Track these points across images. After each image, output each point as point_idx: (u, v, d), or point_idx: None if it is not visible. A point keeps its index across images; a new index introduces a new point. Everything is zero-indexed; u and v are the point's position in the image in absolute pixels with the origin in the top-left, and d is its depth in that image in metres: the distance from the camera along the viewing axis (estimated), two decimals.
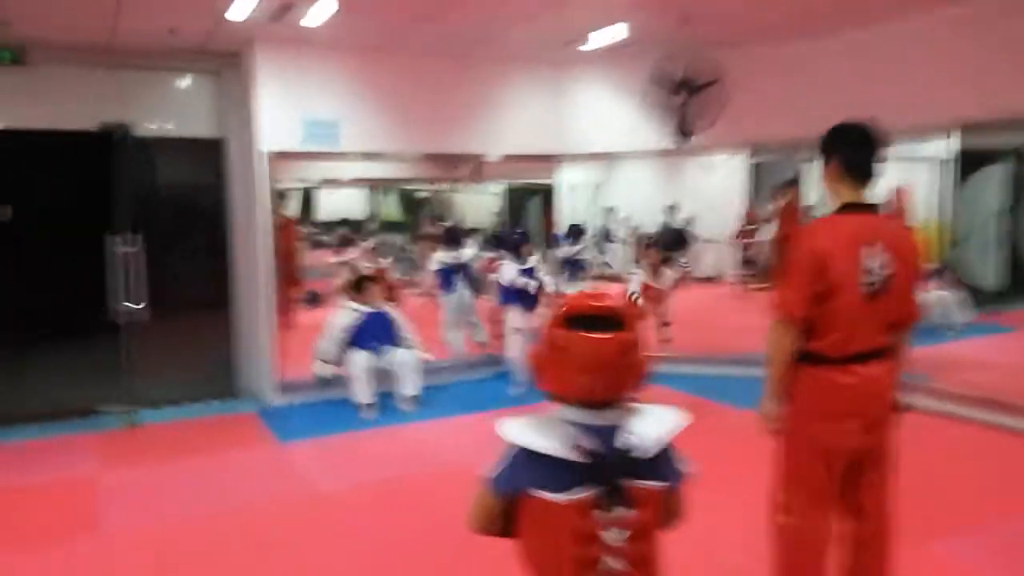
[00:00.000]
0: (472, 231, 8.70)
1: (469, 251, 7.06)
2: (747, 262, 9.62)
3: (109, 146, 5.65)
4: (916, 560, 3.04)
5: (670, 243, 8.34)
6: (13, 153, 7.56)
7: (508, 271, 6.20)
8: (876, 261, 2.52)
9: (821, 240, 2.54)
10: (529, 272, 6.23)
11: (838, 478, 2.65)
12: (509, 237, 6.55)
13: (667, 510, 1.60)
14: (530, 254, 6.34)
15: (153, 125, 6.01)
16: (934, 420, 5.21)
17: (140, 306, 5.47)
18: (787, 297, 2.57)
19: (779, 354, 2.59)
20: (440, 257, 6.96)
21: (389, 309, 6.14)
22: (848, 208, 2.61)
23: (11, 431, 5.44)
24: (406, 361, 5.85)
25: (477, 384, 6.65)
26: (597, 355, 1.48)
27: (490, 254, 7.59)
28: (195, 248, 6.51)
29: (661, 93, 6.75)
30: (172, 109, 6.14)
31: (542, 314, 6.06)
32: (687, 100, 6.66)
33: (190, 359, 6.36)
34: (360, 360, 5.71)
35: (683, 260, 7.77)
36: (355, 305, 5.92)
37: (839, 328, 2.53)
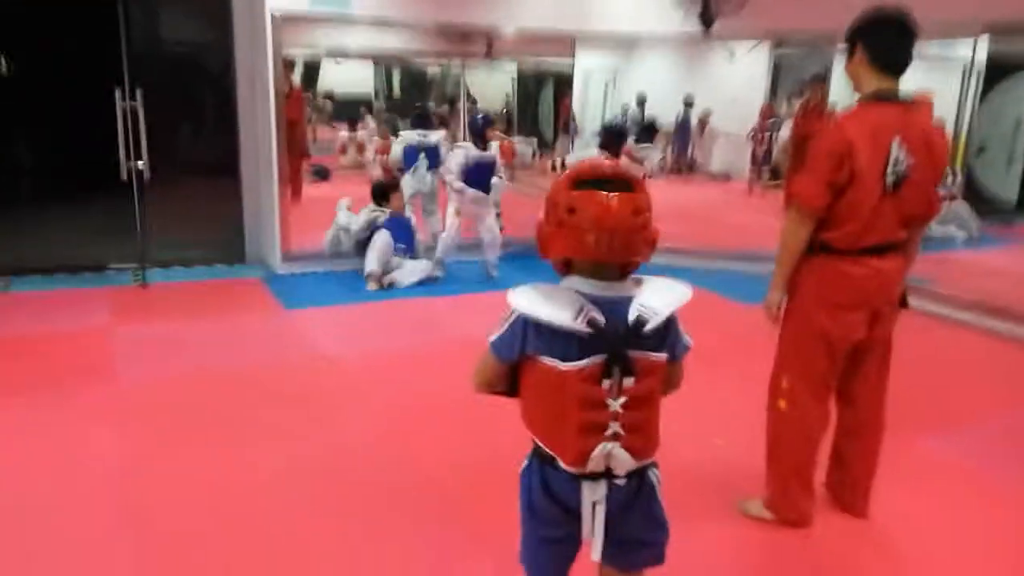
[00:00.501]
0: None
1: (436, 134, 6.84)
2: (762, 159, 9.46)
3: None
4: (900, 452, 3.14)
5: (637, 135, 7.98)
6: (15, 5, 7.28)
7: (457, 157, 5.96)
8: (902, 153, 2.46)
9: (848, 130, 2.47)
10: (487, 163, 6.02)
11: (839, 368, 2.70)
12: (472, 121, 6.25)
13: (669, 379, 1.64)
14: (493, 138, 6.14)
15: None
16: (933, 322, 5.29)
17: (141, 164, 5.39)
18: (807, 186, 2.52)
19: (792, 244, 2.58)
20: (406, 137, 6.79)
21: (411, 217, 6.28)
22: (877, 97, 2.52)
23: (26, 281, 5.52)
24: (419, 269, 5.96)
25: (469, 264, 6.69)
26: (607, 213, 1.46)
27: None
28: (201, 110, 6.39)
29: None
30: None
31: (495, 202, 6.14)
32: None
33: (199, 222, 6.37)
34: (384, 238, 5.80)
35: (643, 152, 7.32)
36: (379, 209, 6.00)
37: (856, 220, 2.50)
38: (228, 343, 4.51)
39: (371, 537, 2.65)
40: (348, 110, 10.01)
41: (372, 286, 5.71)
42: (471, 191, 5.91)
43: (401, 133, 7.00)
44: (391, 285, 5.77)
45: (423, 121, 6.91)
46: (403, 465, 3.16)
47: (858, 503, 2.85)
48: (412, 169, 6.59)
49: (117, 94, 5.27)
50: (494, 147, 6.15)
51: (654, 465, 1.66)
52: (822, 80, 8.40)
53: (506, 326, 1.57)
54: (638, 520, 1.63)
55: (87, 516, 2.69)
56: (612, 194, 1.46)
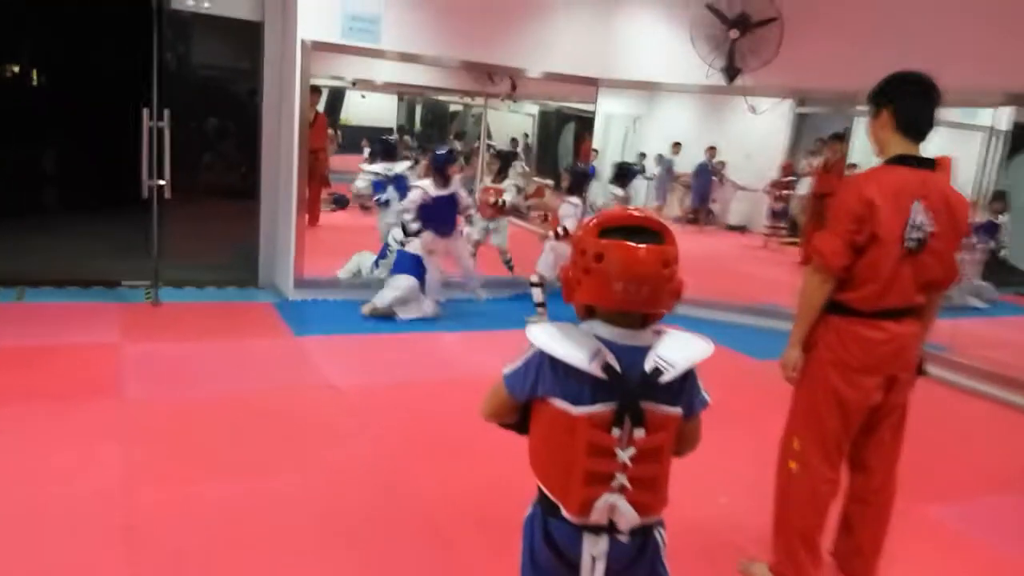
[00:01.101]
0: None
1: (402, 164, 6.83)
2: (779, 214, 9.47)
3: (146, 17, 5.51)
4: (910, 520, 3.08)
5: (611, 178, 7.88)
6: (48, 17, 7.46)
7: (414, 195, 5.70)
8: (923, 217, 2.44)
9: (869, 189, 2.46)
10: (448, 199, 5.77)
11: (853, 433, 2.65)
12: (433, 155, 5.90)
13: (685, 436, 1.60)
14: (455, 175, 5.85)
15: (191, 0, 5.86)
16: (947, 391, 5.21)
17: (163, 182, 5.44)
18: (827, 245, 2.50)
19: (812, 302, 2.55)
20: (373, 169, 6.75)
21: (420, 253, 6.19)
22: (900, 160, 2.51)
23: (39, 293, 5.54)
24: (427, 310, 5.92)
25: (494, 302, 6.68)
26: (636, 263, 1.44)
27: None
28: (226, 133, 6.47)
29: (714, 25, 6.50)
30: None
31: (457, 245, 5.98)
32: (740, 36, 6.41)
33: (214, 244, 6.41)
34: (410, 283, 5.78)
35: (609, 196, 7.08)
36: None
37: (875, 281, 2.48)
38: (236, 367, 4.49)
39: (367, 568, 2.59)
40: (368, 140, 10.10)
41: (367, 310, 5.72)
42: (427, 234, 5.74)
43: (364, 166, 6.93)
44: (389, 315, 5.76)
45: (389, 152, 6.80)
46: (403, 498, 3.12)
47: (866, 572, 2.77)
48: (383, 202, 6.56)
49: (145, 113, 5.35)
50: (456, 183, 5.85)
51: (660, 524, 1.62)
52: (842, 139, 8.44)
53: (521, 362, 1.56)
54: None
55: (83, 530, 2.66)
56: (641, 245, 1.45)
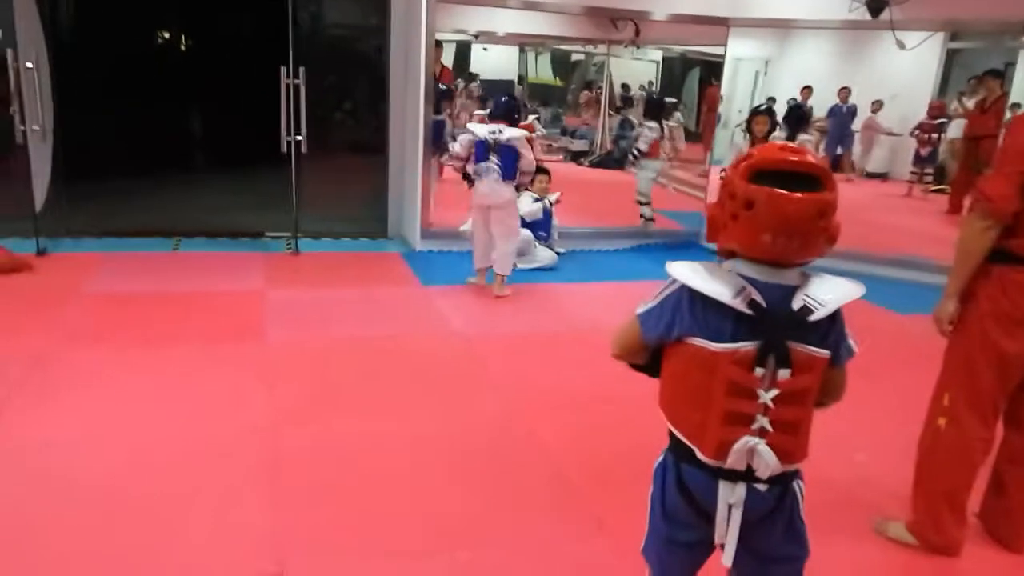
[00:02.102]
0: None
1: (512, 131, 6.38)
2: (926, 160, 8.77)
3: None
4: None
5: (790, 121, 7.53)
6: None
7: (465, 138, 5.01)
8: None
9: None
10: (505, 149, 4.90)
11: (1010, 389, 2.47)
12: (498, 103, 5.26)
13: (830, 386, 1.52)
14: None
15: None
16: None
17: (300, 138, 5.70)
18: (997, 187, 2.30)
19: (973, 251, 2.36)
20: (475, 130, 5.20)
21: (550, 204, 6.19)
22: None
23: (192, 243, 6.02)
24: (545, 258, 5.95)
25: (615, 253, 6.63)
26: (790, 216, 1.35)
27: None
28: (357, 89, 6.68)
29: None
30: None
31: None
32: None
33: (348, 197, 6.70)
34: (527, 234, 5.82)
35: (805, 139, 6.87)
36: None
37: None
38: (368, 313, 4.71)
39: (490, 513, 2.70)
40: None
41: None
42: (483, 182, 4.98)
43: (470, 125, 5.47)
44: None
45: (509, 113, 5.16)
46: (526, 442, 3.21)
47: (1015, 536, 2.61)
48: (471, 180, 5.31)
49: (282, 72, 5.61)
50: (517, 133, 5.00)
51: (799, 476, 1.56)
52: (1001, 76, 7.66)
53: (658, 299, 1.51)
54: (778, 534, 1.54)
55: (230, 462, 2.90)
56: (797, 195, 1.35)
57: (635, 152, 7.08)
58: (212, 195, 7.63)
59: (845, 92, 9.22)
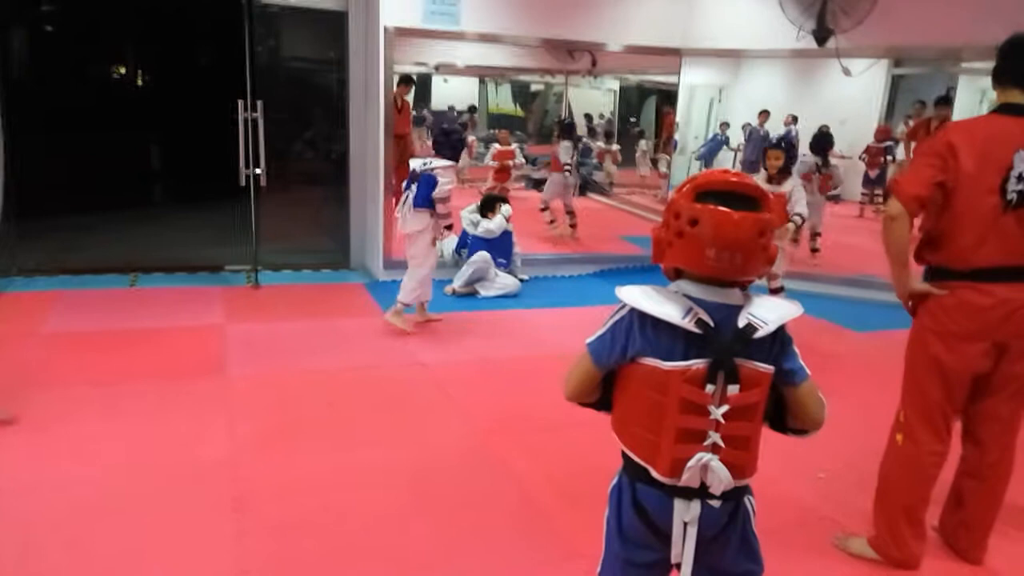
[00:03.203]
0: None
1: (440, 161, 6.37)
2: (875, 181, 9.05)
3: (237, 14, 5.74)
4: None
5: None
6: (149, 21, 7.86)
7: (446, 179, 4.78)
8: None
9: (951, 134, 2.38)
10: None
11: (959, 401, 2.54)
12: (446, 137, 4.95)
13: (800, 411, 1.56)
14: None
15: None
16: None
17: (259, 171, 5.68)
18: (904, 177, 2.42)
19: (893, 240, 2.43)
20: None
21: (511, 231, 6.27)
22: (1004, 109, 2.39)
23: (150, 279, 5.92)
24: (507, 285, 6.01)
25: (587, 278, 6.68)
26: (732, 231, 1.41)
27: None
28: (316, 121, 6.68)
29: None
30: None
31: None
32: None
33: (309, 228, 6.68)
34: (484, 256, 5.94)
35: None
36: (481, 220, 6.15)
37: (964, 234, 2.37)
38: (330, 345, 4.67)
39: (459, 542, 2.67)
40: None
41: (449, 290, 5.90)
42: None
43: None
44: (472, 294, 5.91)
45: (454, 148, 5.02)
46: (494, 469, 3.20)
47: (973, 549, 2.67)
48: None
49: (240, 105, 5.59)
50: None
51: (749, 492, 1.60)
52: (947, 102, 7.97)
53: (608, 326, 1.55)
54: (732, 549, 1.57)
55: (195, 500, 2.84)
56: (738, 213, 1.41)
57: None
58: (170, 229, 7.53)
59: (764, 116, 9.54)
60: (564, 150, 7.77)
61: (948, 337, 2.45)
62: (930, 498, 2.60)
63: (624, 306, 1.52)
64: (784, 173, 4.89)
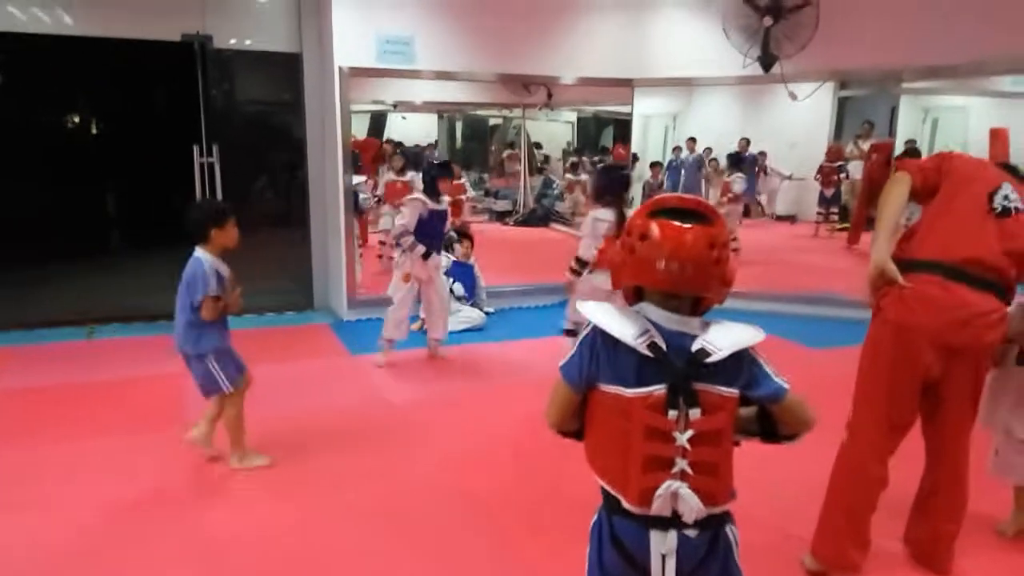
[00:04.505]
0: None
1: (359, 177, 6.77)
2: (830, 200, 9.27)
3: (190, 59, 5.74)
4: (999, 509, 2.96)
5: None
6: (101, 69, 7.79)
7: (409, 215, 4.89)
8: (1013, 194, 2.46)
9: (957, 158, 2.58)
10: (439, 215, 5.01)
11: (905, 407, 2.53)
12: (427, 168, 5.17)
13: (789, 419, 1.57)
14: (446, 192, 5.11)
15: (233, 39, 6.07)
16: None
17: None
18: (914, 162, 2.61)
19: (889, 208, 2.51)
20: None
21: (474, 264, 6.36)
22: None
23: (108, 329, 5.80)
24: (471, 318, 6.06)
25: (542, 309, 6.70)
26: (680, 242, 1.44)
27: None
28: (274, 163, 6.66)
29: (747, 15, 6.43)
30: (250, 22, 6.18)
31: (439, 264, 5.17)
32: (775, 23, 6.32)
33: (270, 271, 6.60)
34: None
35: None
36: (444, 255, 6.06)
37: (944, 228, 2.46)
38: (297, 387, 4.61)
39: (438, 573, 2.64)
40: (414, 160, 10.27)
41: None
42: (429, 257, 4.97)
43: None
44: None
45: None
46: (466, 505, 3.17)
47: (940, 560, 2.67)
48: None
49: (195, 150, 5.56)
50: (445, 200, 5.14)
51: (731, 521, 1.58)
52: (889, 133, 8.28)
53: (575, 349, 1.56)
54: None
55: (160, 549, 2.78)
56: (687, 225, 1.46)
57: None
58: (126, 279, 7.37)
59: (691, 143, 9.87)
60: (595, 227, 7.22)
61: (902, 331, 2.45)
62: (875, 505, 2.59)
63: (588, 323, 1.54)
64: None
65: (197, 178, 5.58)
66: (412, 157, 9.43)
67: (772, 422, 1.59)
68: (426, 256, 4.92)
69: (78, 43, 5.58)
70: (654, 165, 9.95)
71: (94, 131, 10.22)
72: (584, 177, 11.16)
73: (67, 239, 7.41)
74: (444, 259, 6.12)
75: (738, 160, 9.08)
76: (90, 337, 5.64)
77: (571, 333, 4.55)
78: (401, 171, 7.81)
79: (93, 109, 10.09)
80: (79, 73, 8.55)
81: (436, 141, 11.04)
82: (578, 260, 4.35)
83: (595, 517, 1.62)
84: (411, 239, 4.88)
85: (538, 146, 11.57)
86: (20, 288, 6.60)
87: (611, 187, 4.47)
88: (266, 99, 6.69)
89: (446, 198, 5.17)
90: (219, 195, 5.63)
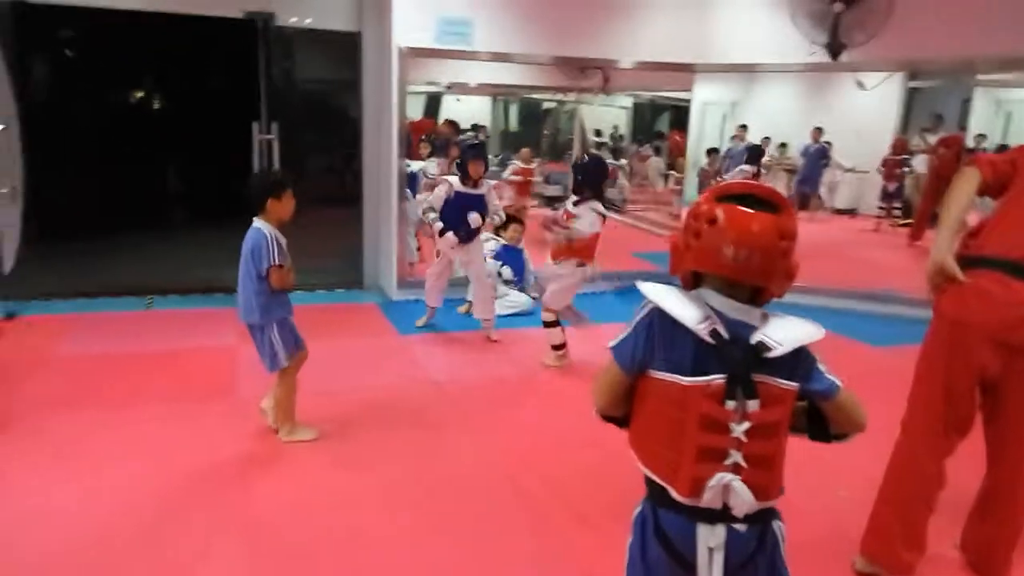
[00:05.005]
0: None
1: (420, 163, 6.67)
2: (893, 195, 8.97)
3: (252, 36, 5.81)
4: None
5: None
6: (165, 45, 7.96)
7: (437, 196, 5.07)
8: None
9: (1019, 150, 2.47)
10: (477, 199, 5.02)
11: (962, 403, 2.44)
12: (464, 150, 5.24)
13: (842, 418, 1.54)
14: (482, 175, 5.06)
15: (294, 16, 6.12)
16: None
17: None
18: (985, 156, 2.50)
19: (955, 201, 2.43)
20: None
21: (523, 248, 6.35)
22: None
23: (166, 301, 5.96)
24: (518, 303, 6.06)
25: (595, 295, 6.65)
26: (750, 229, 1.40)
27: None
28: (330, 142, 6.72)
29: (816, 0, 6.22)
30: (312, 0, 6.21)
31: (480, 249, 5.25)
32: (845, 8, 6.10)
33: (323, 249, 6.67)
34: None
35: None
36: (493, 238, 6.20)
37: (1010, 227, 2.37)
38: (344, 365, 4.66)
39: (473, 565, 2.64)
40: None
41: (463, 309, 5.85)
42: (450, 236, 5.04)
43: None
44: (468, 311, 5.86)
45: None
46: (508, 488, 3.17)
47: (996, 568, 2.58)
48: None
49: (255, 127, 5.64)
50: (486, 185, 5.13)
51: (778, 517, 1.54)
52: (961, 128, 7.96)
53: (632, 326, 1.53)
54: None
55: (208, 520, 2.84)
56: (757, 212, 1.41)
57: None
58: (185, 252, 7.57)
59: (818, 132, 9.53)
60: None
61: (959, 327, 2.39)
62: (931, 506, 2.51)
63: (646, 305, 1.51)
64: None
65: (256, 155, 5.65)
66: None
67: (822, 419, 1.54)
68: (441, 233, 5.06)
69: (143, 18, 5.68)
70: (710, 152, 9.79)
71: (156, 106, 10.48)
72: (624, 162, 11.03)
73: (129, 212, 7.64)
74: (493, 243, 6.15)
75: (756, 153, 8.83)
76: (149, 307, 5.80)
77: (550, 324, 4.72)
78: (429, 157, 7.84)
79: (156, 84, 10.34)
80: (143, 48, 8.76)
81: (481, 125, 11.01)
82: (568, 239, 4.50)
83: (638, 509, 1.59)
84: (432, 216, 5.07)
85: (598, 133, 11.45)
86: (84, 258, 6.82)
87: (588, 180, 4.52)
88: (325, 78, 6.75)
89: (490, 182, 5.21)
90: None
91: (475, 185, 5.02)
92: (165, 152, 9.09)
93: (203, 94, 9.24)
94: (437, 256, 5.36)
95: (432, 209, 5.08)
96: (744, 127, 9.62)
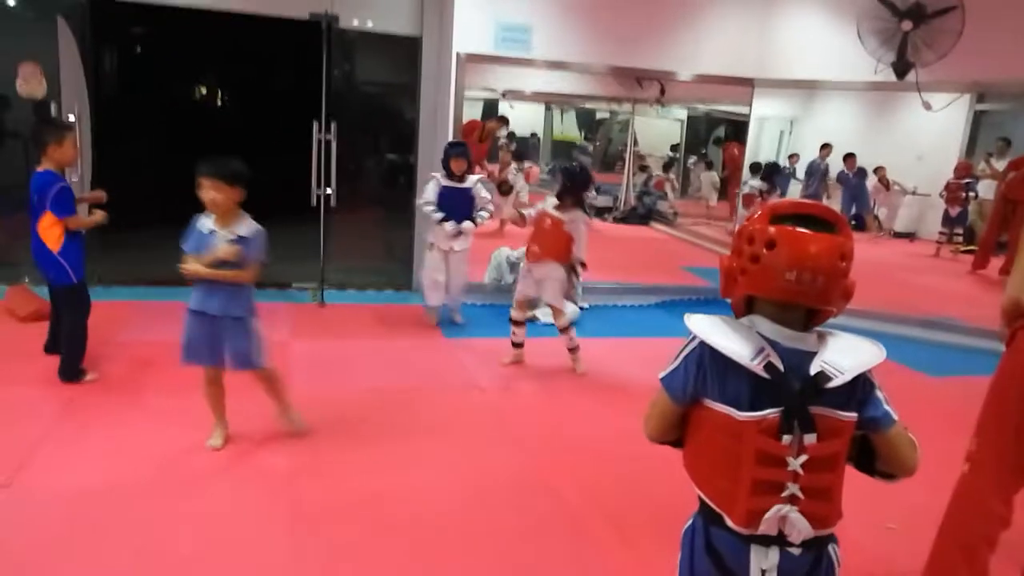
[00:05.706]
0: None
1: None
2: (955, 220, 8.71)
3: (316, 37, 5.92)
4: None
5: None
6: (226, 34, 8.13)
7: (428, 190, 5.41)
8: None
9: None
10: (459, 193, 5.38)
11: None
12: (446, 148, 5.52)
13: (891, 457, 1.49)
14: (467, 172, 5.39)
15: (357, 19, 6.23)
16: None
17: (330, 191, 5.81)
18: None
19: None
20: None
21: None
22: None
23: None
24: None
25: (649, 308, 6.60)
26: (812, 252, 1.35)
27: None
28: (386, 144, 6.80)
29: (884, 17, 6.09)
30: (375, 3, 6.30)
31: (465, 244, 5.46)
32: (914, 28, 5.96)
33: (374, 250, 6.78)
34: None
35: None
36: None
37: None
38: (390, 366, 4.71)
39: (512, 563, 2.64)
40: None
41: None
42: (447, 226, 5.38)
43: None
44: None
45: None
46: (545, 497, 3.16)
47: None
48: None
49: (314, 126, 5.75)
50: (472, 180, 5.44)
51: (834, 540, 1.51)
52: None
53: (680, 359, 1.50)
54: None
55: (254, 512, 2.89)
56: (818, 233, 1.38)
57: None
58: None
59: (826, 150, 9.43)
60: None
61: None
62: (994, 544, 2.40)
63: (695, 336, 1.47)
64: None
65: (314, 153, 5.75)
66: (520, 145, 9.48)
67: (871, 452, 1.49)
68: (440, 222, 5.37)
69: (210, 17, 5.84)
70: (758, 169, 9.61)
71: (221, 102, 10.77)
72: (673, 176, 10.95)
73: (189, 204, 7.82)
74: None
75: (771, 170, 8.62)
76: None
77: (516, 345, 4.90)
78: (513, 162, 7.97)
79: (220, 81, 10.62)
80: (209, 46, 9.01)
81: (529, 132, 11.05)
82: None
83: (688, 523, 1.57)
84: (430, 208, 5.39)
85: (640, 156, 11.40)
86: (143, 247, 7.02)
87: (574, 188, 4.65)
88: (384, 80, 6.85)
89: (475, 177, 5.49)
90: (333, 172, 5.80)
91: (460, 180, 5.38)
92: (226, 147, 9.28)
93: (266, 92, 9.47)
94: (429, 249, 5.53)
95: (428, 203, 5.40)
96: (828, 145, 9.44)
